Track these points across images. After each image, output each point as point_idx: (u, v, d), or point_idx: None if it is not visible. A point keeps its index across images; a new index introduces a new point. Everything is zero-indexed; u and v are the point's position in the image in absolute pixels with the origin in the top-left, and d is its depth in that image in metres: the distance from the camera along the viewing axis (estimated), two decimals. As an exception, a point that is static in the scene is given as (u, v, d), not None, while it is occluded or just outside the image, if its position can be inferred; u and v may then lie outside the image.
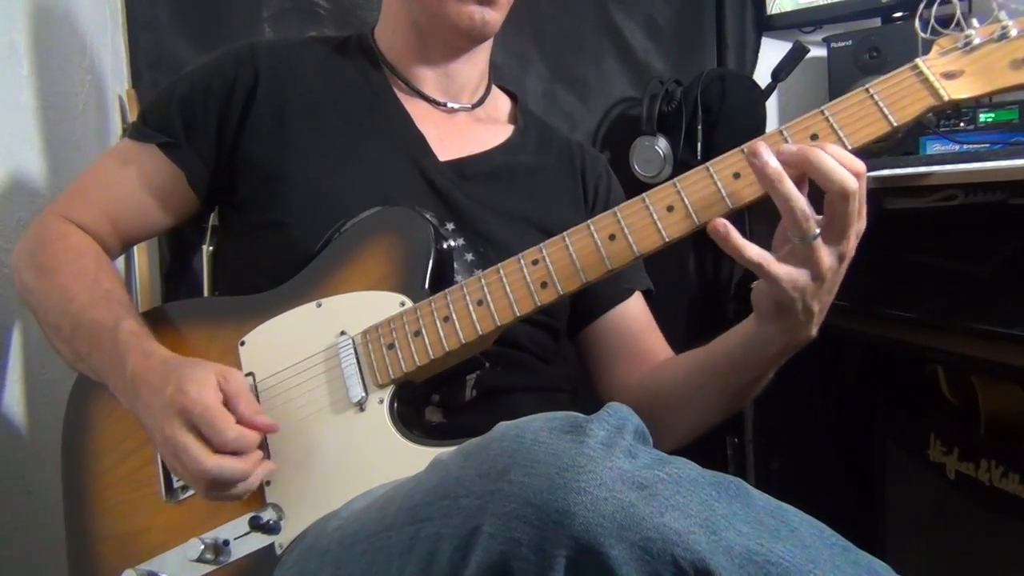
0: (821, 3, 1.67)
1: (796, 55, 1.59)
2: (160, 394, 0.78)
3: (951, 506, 1.31)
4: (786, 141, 0.73)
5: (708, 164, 0.75)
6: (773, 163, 0.70)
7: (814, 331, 0.79)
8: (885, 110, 0.73)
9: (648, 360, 1.03)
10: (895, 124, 0.73)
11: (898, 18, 1.58)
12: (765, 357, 0.83)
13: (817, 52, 1.65)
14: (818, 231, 0.70)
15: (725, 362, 0.88)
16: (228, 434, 0.76)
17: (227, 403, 0.78)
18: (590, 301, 1.04)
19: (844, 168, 0.69)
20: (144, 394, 0.80)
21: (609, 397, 0.99)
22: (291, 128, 0.96)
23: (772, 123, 1.72)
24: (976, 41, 0.74)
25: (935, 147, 1.36)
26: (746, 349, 0.84)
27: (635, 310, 1.07)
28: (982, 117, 1.31)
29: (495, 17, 0.95)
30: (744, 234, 0.72)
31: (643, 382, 1.00)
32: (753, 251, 0.72)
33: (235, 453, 0.77)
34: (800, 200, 0.70)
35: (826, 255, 0.71)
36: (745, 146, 0.73)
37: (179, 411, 0.76)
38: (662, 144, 1.56)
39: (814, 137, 0.73)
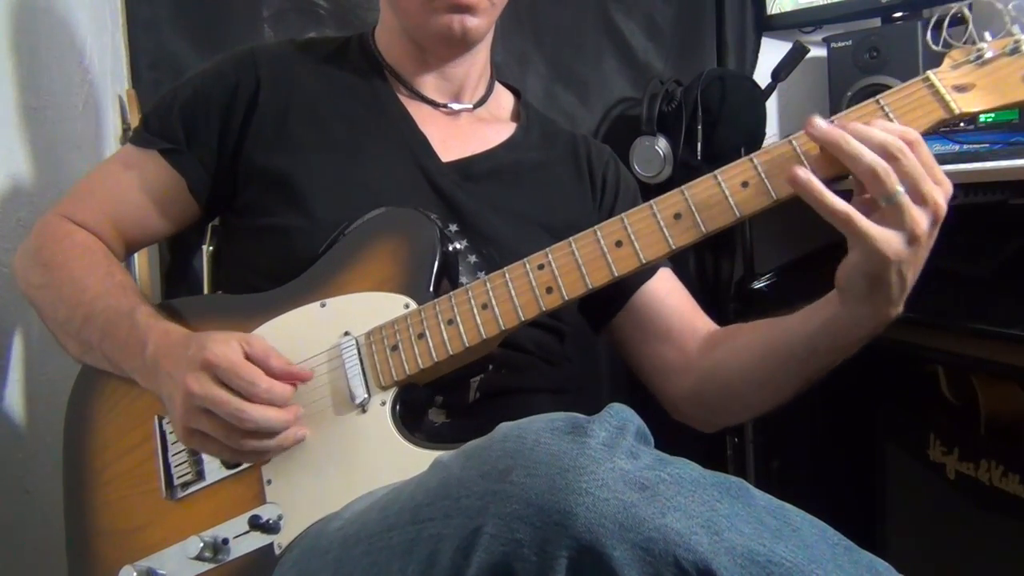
0: (821, 3, 1.67)
1: (796, 55, 1.59)
2: (182, 358, 0.79)
3: (951, 506, 1.31)
4: (795, 151, 0.73)
5: (716, 172, 0.75)
6: (828, 128, 0.70)
7: (902, 307, 0.74)
8: (896, 122, 0.72)
9: (691, 336, 0.98)
10: None
11: (898, 18, 1.58)
12: (852, 340, 0.78)
13: (817, 52, 1.65)
14: (901, 188, 0.67)
15: (804, 347, 0.82)
16: (260, 384, 0.77)
17: (256, 364, 0.78)
18: (614, 288, 0.97)
19: (871, 151, 0.68)
20: (166, 365, 0.80)
21: (660, 386, 0.97)
22: (293, 132, 0.96)
23: (772, 123, 1.73)
24: (988, 55, 0.73)
25: (935, 147, 1.36)
26: (831, 333, 0.79)
27: (666, 286, 1.02)
28: (982, 117, 1.30)
29: (477, 23, 0.94)
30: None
31: (700, 366, 0.95)
32: (839, 202, 0.68)
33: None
34: (868, 154, 0.68)
35: (919, 214, 0.68)
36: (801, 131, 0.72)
37: (203, 366, 0.77)
38: (662, 144, 1.56)
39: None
